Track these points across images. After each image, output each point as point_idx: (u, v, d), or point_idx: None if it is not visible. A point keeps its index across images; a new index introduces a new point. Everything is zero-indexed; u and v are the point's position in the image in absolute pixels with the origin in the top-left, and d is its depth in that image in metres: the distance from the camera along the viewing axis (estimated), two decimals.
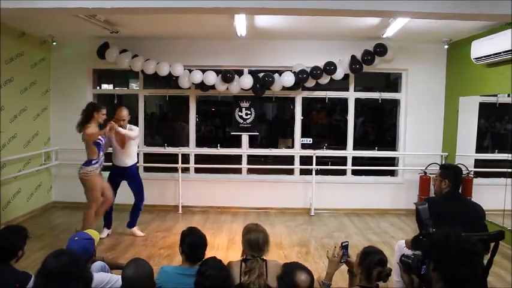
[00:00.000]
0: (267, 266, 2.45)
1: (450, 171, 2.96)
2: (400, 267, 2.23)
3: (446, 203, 2.81)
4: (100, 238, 4.74)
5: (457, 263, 1.73)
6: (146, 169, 6.58)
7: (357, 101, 6.52)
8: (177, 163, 6.20)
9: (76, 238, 2.59)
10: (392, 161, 6.71)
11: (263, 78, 5.90)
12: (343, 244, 2.47)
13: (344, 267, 2.58)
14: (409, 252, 2.79)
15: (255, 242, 2.50)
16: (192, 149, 6.48)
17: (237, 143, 6.57)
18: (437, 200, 2.91)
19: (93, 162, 4.54)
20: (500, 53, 4.57)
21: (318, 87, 6.19)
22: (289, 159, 6.68)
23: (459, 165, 3.75)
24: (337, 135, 7.03)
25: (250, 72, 6.16)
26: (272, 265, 2.45)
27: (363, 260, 2.26)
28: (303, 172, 6.50)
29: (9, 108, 5.32)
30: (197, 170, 6.57)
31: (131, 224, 5.13)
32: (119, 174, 4.98)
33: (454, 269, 1.73)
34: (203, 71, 5.91)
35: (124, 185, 5.13)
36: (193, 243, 2.53)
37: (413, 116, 6.33)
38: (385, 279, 2.21)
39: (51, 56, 6.29)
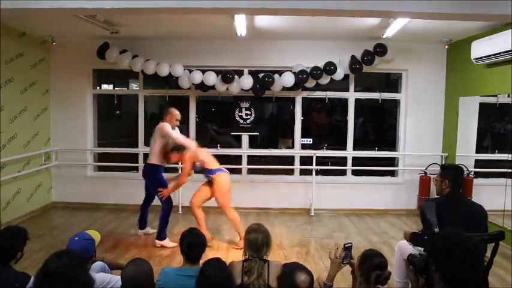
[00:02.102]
0: (269, 266, 2.44)
1: (450, 171, 2.95)
2: (407, 265, 2.22)
3: (447, 203, 2.80)
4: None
5: (456, 263, 1.73)
6: None
7: (357, 101, 6.52)
8: (177, 163, 6.18)
9: (76, 238, 2.58)
10: (392, 161, 6.71)
11: (263, 79, 5.90)
12: (346, 245, 2.43)
13: (345, 268, 2.57)
14: (412, 250, 2.79)
15: (254, 242, 2.50)
16: None
17: (237, 143, 6.56)
18: (439, 200, 2.90)
19: None
20: (500, 53, 4.57)
21: (318, 87, 6.19)
22: (289, 160, 6.67)
23: (461, 165, 3.73)
24: (337, 135, 7.02)
25: (250, 73, 6.16)
26: (274, 265, 2.44)
27: (363, 263, 2.24)
28: (303, 172, 6.50)
29: (9, 109, 5.32)
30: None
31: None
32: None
33: (453, 269, 1.73)
34: (203, 72, 5.91)
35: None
36: (192, 243, 2.54)
37: (414, 116, 6.33)
38: (384, 283, 2.18)
39: (51, 56, 6.29)
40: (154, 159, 4.82)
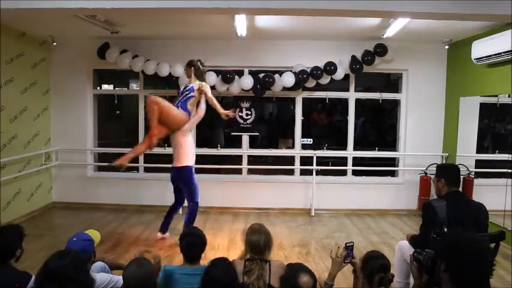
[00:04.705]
0: (271, 266, 2.44)
1: (444, 171, 2.95)
2: (411, 261, 2.23)
3: (447, 203, 2.79)
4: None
5: (469, 265, 1.73)
6: (146, 169, 6.58)
7: (357, 101, 6.51)
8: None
9: (75, 239, 2.57)
10: (392, 162, 6.70)
11: (263, 79, 5.90)
12: (348, 245, 2.43)
13: (346, 268, 2.56)
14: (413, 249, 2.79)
15: (256, 244, 2.49)
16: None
17: (237, 144, 6.57)
18: (444, 200, 2.88)
19: None
20: (500, 53, 4.57)
21: (319, 87, 6.19)
22: (290, 160, 6.68)
23: (457, 164, 3.72)
24: (338, 135, 7.02)
25: (251, 73, 6.16)
26: (276, 265, 2.44)
27: (365, 265, 2.24)
28: (304, 172, 6.49)
29: (10, 109, 5.32)
30: (197, 170, 6.54)
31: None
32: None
33: (465, 271, 1.73)
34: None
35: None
36: (191, 242, 2.55)
37: (414, 116, 6.32)
38: (387, 285, 2.18)
39: (52, 56, 6.29)
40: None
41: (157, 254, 2.78)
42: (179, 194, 4.90)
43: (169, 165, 6.31)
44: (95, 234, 2.73)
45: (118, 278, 2.51)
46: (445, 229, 2.59)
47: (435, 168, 3.06)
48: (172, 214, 4.97)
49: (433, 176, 5.52)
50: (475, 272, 1.73)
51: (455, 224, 2.58)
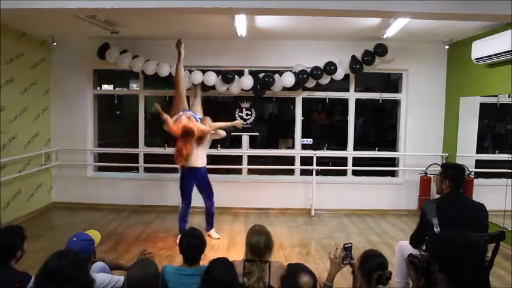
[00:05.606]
0: (270, 267, 2.44)
1: (450, 172, 2.94)
2: (407, 264, 2.23)
3: (447, 203, 2.80)
4: None
5: (463, 265, 1.73)
6: (146, 169, 6.58)
7: (357, 101, 6.51)
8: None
9: (74, 239, 2.57)
10: (392, 162, 6.70)
11: (263, 79, 5.90)
12: (346, 246, 2.44)
13: (346, 268, 2.57)
14: (412, 250, 2.79)
15: (256, 246, 2.49)
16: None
17: (237, 144, 6.57)
18: (440, 200, 2.89)
19: None
20: (501, 53, 4.57)
21: (319, 87, 6.19)
22: (290, 160, 6.68)
23: (462, 164, 3.72)
24: (338, 135, 7.02)
25: (251, 73, 6.16)
26: (276, 266, 2.44)
27: (363, 264, 2.24)
28: (304, 172, 6.49)
29: (10, 109, 5.32)
30: None
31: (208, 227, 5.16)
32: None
33: (460, 271, 1.73)
34: (203, 72, 5.91)
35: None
36: (190, 244, 2.54)
37: (414, 116, 6.32)
38: (385, 283, 2.18)
39: (52, 57, 6.29)
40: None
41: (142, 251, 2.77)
42: (200, 193, 5.17)
43: (169, 166, 6.39)
44: (95, 234, 2.73)
45: (118, 278, 2.51)
46: (436, 230, 2.60)
47: (440, 167, 3.05)
48: (206, 213, 5.19)
49: (433, 176, 5.53)
50: (471, 271, 1.73)
51: (455, 225, 2.58)
